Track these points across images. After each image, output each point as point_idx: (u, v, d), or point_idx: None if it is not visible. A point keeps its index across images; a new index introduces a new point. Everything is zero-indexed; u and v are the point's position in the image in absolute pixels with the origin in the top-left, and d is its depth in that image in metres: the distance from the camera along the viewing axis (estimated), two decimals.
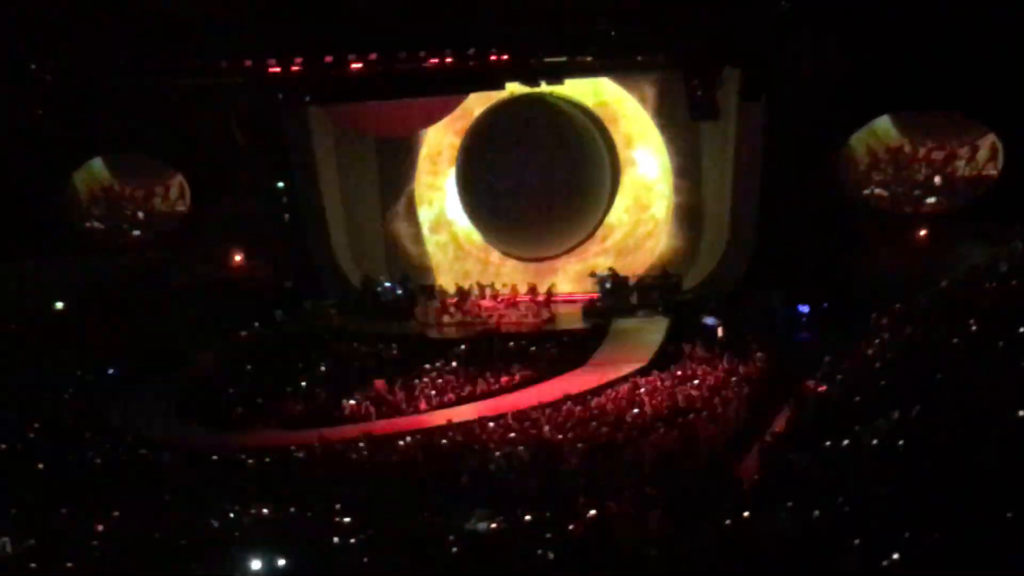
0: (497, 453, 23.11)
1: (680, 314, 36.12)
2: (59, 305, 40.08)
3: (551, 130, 41.24)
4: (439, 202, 43.09)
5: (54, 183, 42.39)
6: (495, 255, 42.69)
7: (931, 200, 37.96)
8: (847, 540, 13.15)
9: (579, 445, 23.01)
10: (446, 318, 38.41)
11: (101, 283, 40.61)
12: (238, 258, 42.89)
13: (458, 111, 40.81)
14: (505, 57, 33.72)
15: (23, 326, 37.70)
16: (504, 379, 31.50)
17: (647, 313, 37.14)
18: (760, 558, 13.88)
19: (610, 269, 40.18)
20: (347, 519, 19.68)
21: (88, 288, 40.41)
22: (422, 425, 27.51)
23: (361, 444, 25.18)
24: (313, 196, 41.54)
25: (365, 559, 17.29)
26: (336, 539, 18.43)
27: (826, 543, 13.46)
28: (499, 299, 39.08)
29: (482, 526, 18.49)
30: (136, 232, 43.97)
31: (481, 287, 39.85)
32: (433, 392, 30.83)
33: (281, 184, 42.68)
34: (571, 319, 38.06)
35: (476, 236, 42.80)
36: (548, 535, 17.70)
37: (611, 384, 29.61)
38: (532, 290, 39.37)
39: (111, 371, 35.16)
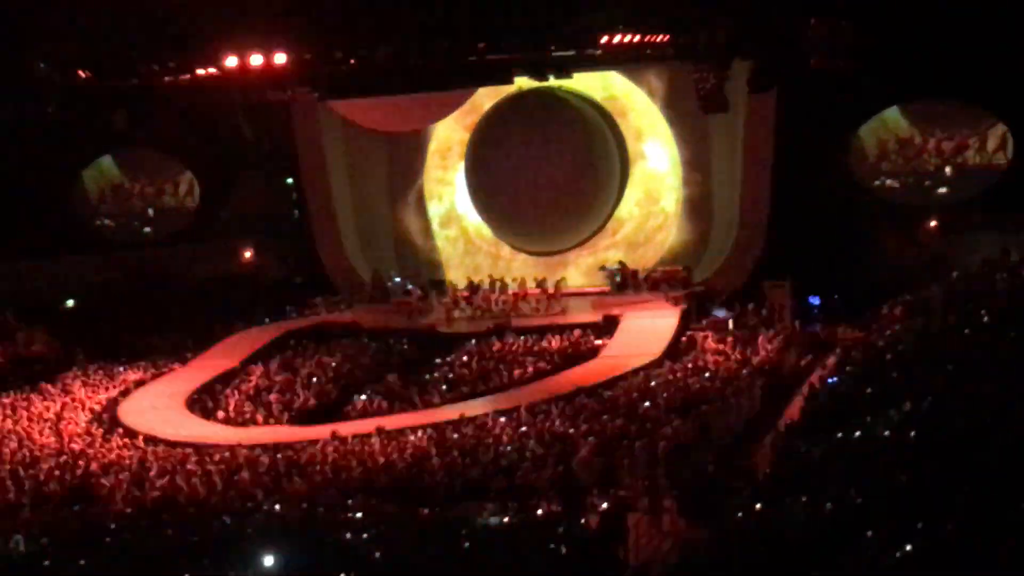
0: (509, 447, 23.11)
1: (691, 306, 36.08)
2: (70, 302, 40.17)
3: (560, 124, 41.23)
4: (449, 197, 43.10)
5: (64, 181, 42.49)
6: (506, 249, 42.70)
7: (942, 190, 37.86)
8: (859, 532, 13.13)
9: (591, 438, 22.98)
10: (457, 312, 38.39)
11: (112, 280, 40.69)
12: (248, 254, 42.94)
13: (467, 106, 40.81)
14: (514, 51, 33.73)
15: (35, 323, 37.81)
16: (517, 372, 31.49)
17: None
18: (773, 549, 13.86)
19: (620, 262, 40.19)
20: (359, 514, 19.69)
21: (99, 285, 40.51)
22: (434, 419, 27.49)
23: (374, 439, 25.19)
24: (322, 192, 41.57)
25: (377, 554, 17.29)
26: (348, 535, 18.44)
27: (838, 535, 13.44)
28: (505, 291, 38.98)
29: (494, 520, 18.49)
30: (147, 229, 44.06)
31: (492, 281, 39.77)
32: (445, 387, 30.85)
33: (290, 180, 42.77)
34: (582, 312, 38.01)
35: (486, 230, 42.80)
36: (561, 529, 17.69)
37: (623, 376, 29.58)
38: (541, 284, 39.25)
39: (123, 368, 35.24)
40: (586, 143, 41.57)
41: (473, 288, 39.45)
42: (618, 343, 33.77)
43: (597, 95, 41.40)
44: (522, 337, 34.89)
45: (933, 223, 36.82)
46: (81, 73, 34.06)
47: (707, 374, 28.04)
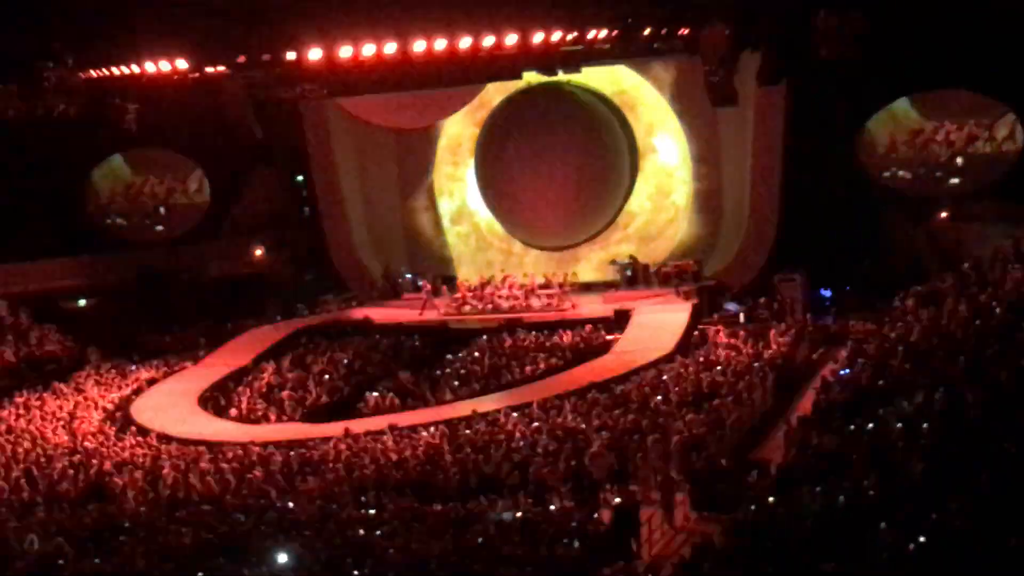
0: (522, 443, 23.11)
1: (702, 300, 36.03)
2: (82, 302, 40.26)
3: (569, 119, 41.15)
4: (460, 193, 43.08)
5: (75, 181, 42.58)
6: (518, 245, 42.66)
7: (954, 181, 37.77)
8: (873, 523, 13.12)
9: (604, 433, 22.99)
10: (467, 308, 38.40)
11: (124, 279, 40.79)
12: (259, 252, 42.99)
13: (476, 101, 40.79)
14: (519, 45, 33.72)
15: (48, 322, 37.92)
16: (528, 368, 31.51)
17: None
18: (786, 542, 13.87)
19: (631, 257, 40.17)
20: (372, 511, 19.72)
21: (111, 284, 40.62)
22: (446, 416, 27.50)
23: (386, 436, 25.22)
24: (332, 189, 41.61)
25: (391, 550, 17.32)
26: (361, 531, 18.47)
27: (852, 526, 13.44)
28: (515, 287, 38.93)
29: (508, 515, 18.51)
30: (159, 227, 44.13)
31: (504, 277, 39.72)
32: (457, 383, 30.88)
33: (300, 178, 42.81)
34: (593, 306, 38.00)
35: (498, 226, 42.77)
36: (574, 523, 17.71)
37: (635, 371, 29.56)
38: (549, 279, 39.20)
39: (135, 367, 35.31)
40: (595, 137, 41.47)
41: (483, 284, 39.44)
42: (629, 338, 33.73)
43: (606, 89, 41.34)
44: (533, 333, 34.90)
45: (944, 214, 36.75)
46: (93, 72, 34.14)
47: (719, 368, 28.00)
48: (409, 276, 40.99)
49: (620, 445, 22.17)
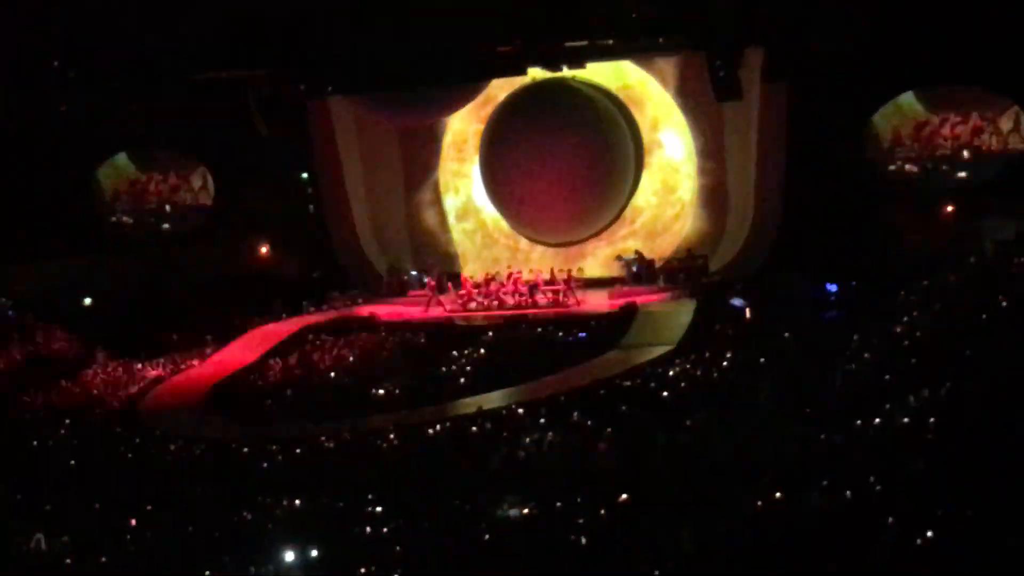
0: (527, 439, 23.11)
1: (708, 296, 36.01)
2: (87, 300, 40.27)
3: (574, 115, 41.11)
4: (466, 189, 43.08)
5: (80, 179, 42.61)
6: (524, 241, 42.67)
7: (961, 175, 37.71)
8: (879, 519, 13.12)
9: (609, 430, 22.98)
10: (472, 304, 38.43)
11: (130, 278, 40.81)
12: (264, 250, 43.01)
13: (481, 98, 40.77)
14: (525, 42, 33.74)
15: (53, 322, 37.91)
16: (534, 365, 31.51)
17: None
18: (792, 538, 13.86)
19: (636, 252, 40.17)
20: (379, 508, 19.72)
21: (117, 282, 40.63)
22: (453, 413, 27.51)
23: (392, 433, 25.22)
24: (337, 187, 41.62)
25: (397, 548, 17.32)
26: (368, 529, 18.48)
27: (859, 522, 13.44)
28: (520, 283, 38.91)
29: (514, 512, 18.50)
30: (165, 226, 44.17)
31: (510, 273, 39.73)
32: (462, 380, 30.90)
33: (305, 175, 42.82)
34: (598, 302, 38.01)
35: (504, 223, 42.77)
36: (581, 521, 17.70)
37: (642, 367, 29.57)
38: (553, 275, 39.19)
39: (141, 365, 35.34)
40: (600, 133, 41.41)
41: (488, 280, 39.46)
42: (635, 334, 33.75)
43: (611, 84, 41.32)
44: (539, 329, 34.94)
45: (949, 208, 36.71)
46: (94, 70, 34.18)
47: (724, 364, 27.99)
48: (415, 273, 41.01)
49: (626, 442, 22.17)
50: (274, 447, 25.30)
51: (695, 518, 17.57)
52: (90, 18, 32.78)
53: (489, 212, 42.82)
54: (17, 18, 32.76)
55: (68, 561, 18.44)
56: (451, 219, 43.27)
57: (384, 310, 38.95)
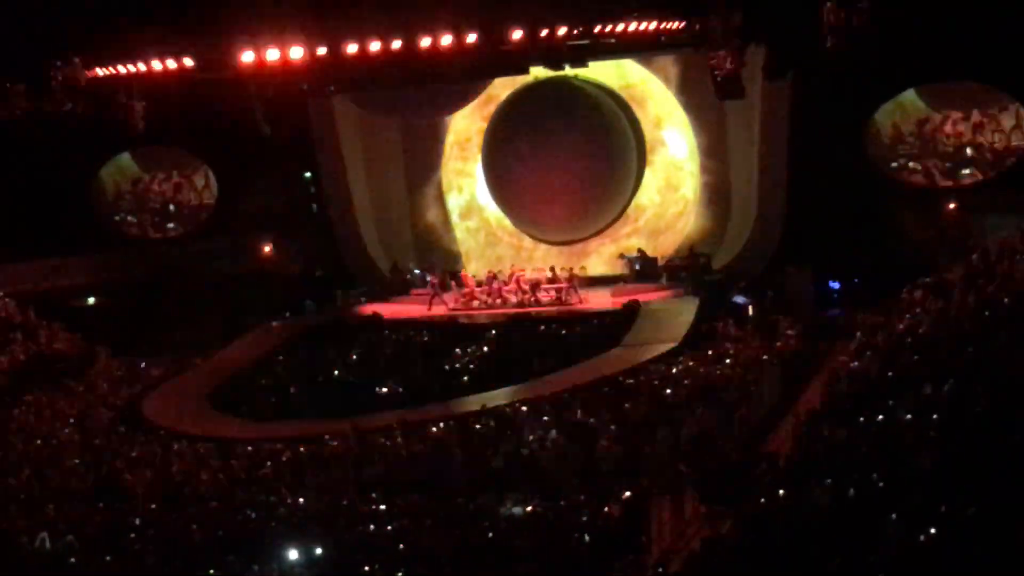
0: (531, 437, 23.13)
1: (710, 293, 36.03)
2: (91, 300, 40.31)
3: (576, 113, 41.15)
4: (469, 188, 43.09)
5: (83, 178, 42.66)
6: (527, 239, 42.68)
7: (965, 172, 37.71)
8: (883, 516, 13.13)
9: (613, 427, 23.00)
10: (476, 303, 38.47)
11: (133, 277, 40.85)
12: (268, 249, 43.04)
13: (484, 96, 40.81)
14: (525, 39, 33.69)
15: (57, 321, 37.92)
16: (537, 362, 31.53)
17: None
18: (796, 535, 13.87)
19: (639, 250, 40.18)
20: (382, 507, 19.75)
21: (121, 282, 40.68)
22: (456, 411, 27.54)
23: (396, 431, 25.23)
24: (340, 185, 41.64)
25: (401, 546, 17.35)
26: (371, 527, 18.51)
27: (862, 519, 13.44)
28: (523, 281, 38.94)
29: (517, 510, 18.54)
30: (170, 225, 44.21)
31: (512, 271, 39.77)
32: (466, 378, 30.92)
33: (308, 174, 42.84)
34: (601, 300, 38.04)
35: (508, 221, 42.79)
36: (584, 518, 17.73)
37: (644, 365, 29.58)
38: (555, 273, 39.22)
39: (142, 365, 35.37)
40: (603, 131, 41.47)
41: (491, 278, 39.48)
42: (638, 331, 33.78)
43: (613, 83, 41.36)
44: (542, 327, 34.98)
45: (952, 205, 36.72)
46: (98, 71, 34.19)
47: (727, 361, 28.01)
48: (418, 271, 41.02)
49: (629, 439, 22.19)
50: (278, 445, 25.32)
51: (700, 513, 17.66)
52: (91, 17, 32.79)
53: (493, 211, 42.83)
54: (19, 17, 32.78)
55: (72, 560, 18.47)
56: (455, 218, 43.28)
57: (387, 308, 38.98)
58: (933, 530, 12.44)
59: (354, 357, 33.69)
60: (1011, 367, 16.71)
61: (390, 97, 38.11)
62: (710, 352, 29.57)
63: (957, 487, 13.10)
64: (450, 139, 42.82)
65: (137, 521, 20.34)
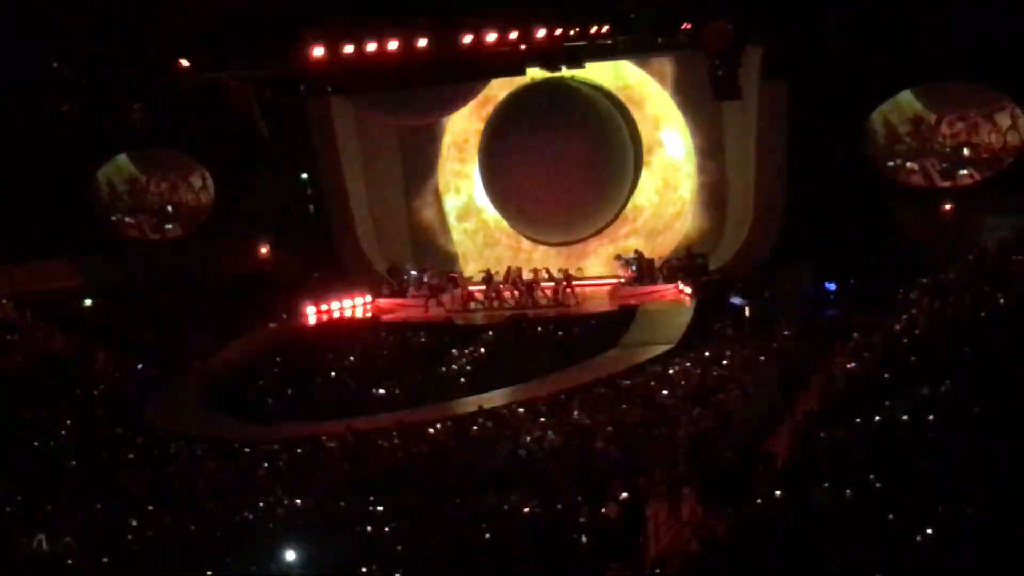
0: (528, 438, 23.15)
1: (708, 294, 36.04)
2: (88, 302, 40.24)
3: (572, 114, 41.13)
4: (467, 189, 43.03)
5: (81, 179, 42.58)
6: (526, 241, 42.64)
7: (963, 172, 37.70)
8: (880, 516, 13.16)
9: (610, 428, 23.02)
10: (473, 304, 38.50)
11: (130, 278, 40.78)
12: (265, 250, 42.99)
13: (481, 97, 40.74)
14: (523, 40, 33.76)
15: (54, 323, 37.87)
16: (534, 364, 31.55)
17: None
18: (794, 536, 13.90)
19: (636, 251, 40.17)
20: (380, 508, 19.77)
21: (118, 284, 40.60)
22: (453, 412, 27.56)
23: (393, 433, 25.25)
24: (337, 187, 41.60)
25: (398, 547, 17.37)
26: (369, 528, 18.52)
27: (860, 519, 13.47)
28: (520, 283, 38.99)
29: (515, 511, 18.54)
30: (168, 226, 44.15)
31: (508, 272, 39.78)
32: (463, 379, 30.92)
33: (305, 175, 42.79)
34: (597, 302, 38.08)
35: (506, 222, 42.77)
36: (581, 519, 17.75)
37: (641, 366, 29.61)
38: (552, 274, 39.23)
39: (140, 366, 35.32)
40: (599, 132, 41.44)
41: (488, 280, 39.51)
42: (635, 333, 33.81)
43: (610, 84, 41.33)
44: (539, 328, 34.98)
45: (948, 206, 36.73)
46: (95, 71, 34.20)
47: (724, 362, 28.03)
48: (415, 273, 40.96)
49: (626, 440, 22.21)
50: (276, 446, 25.34)
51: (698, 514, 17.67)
52: (91, 18, 32.79)
53: (491, 212, 42.78)
54: (18, 18, 32.77)
55: (70, 561, 18.49)
56: (452, 219, 43.21)
57: (384, 310, 39.05)
58: (931, 530, 12.48)
59: (352, 358, 33.67)
60: (1008, 367, 16.75)
61: (387, 98, 38.04)
62: (707, 353, 29.58)
63: (955, 487, 13.14)
64: (447, 140, 42.76)
65: (135, 522, 20.34)
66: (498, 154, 41.71)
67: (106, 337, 37.18)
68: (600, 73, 40.50)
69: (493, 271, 40.01)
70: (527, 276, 39.22)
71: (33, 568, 18.44)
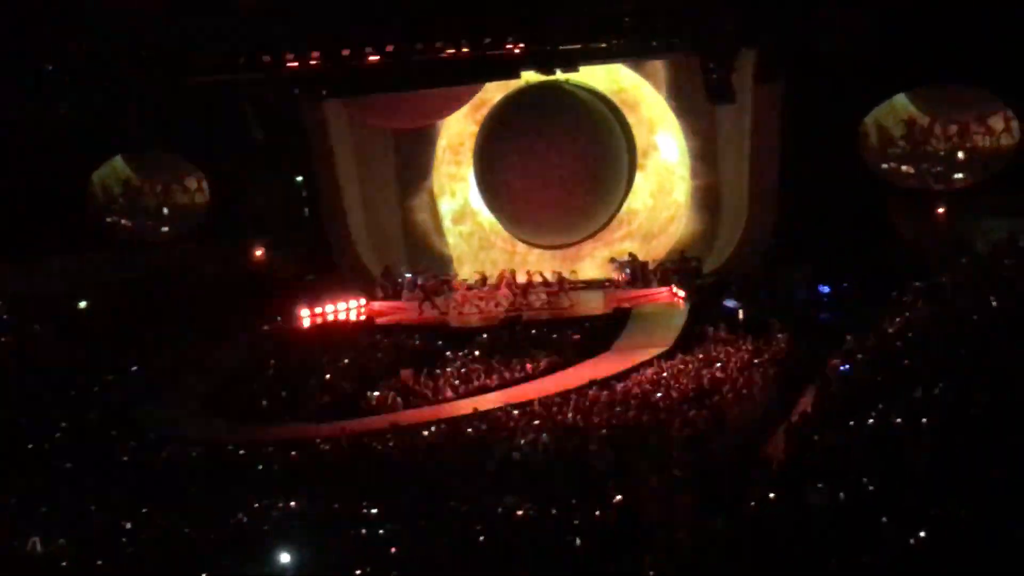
0: (523, 440, 23.15)
1: (702, 297, 36.09)
2: (83, 304, 40.20)
3: (567, 117, 41.18)
4: (463, 192, 43.08)
5: (76, 181, 42.53)
6: (521, 244, 42.69)
7: (959, 176, 37.73)
8: (875, 518, 13.18)
9: (604, 431, 23.04)
10: (467, 307, 38.53)
11: (125, 280, 40.74)
12: (259, 253, 42.99)
13: (477, 100, 40.80)
14: (520, 45, 33.77)
15: (48, 325, 37.82)
16: (529, 366, 31.56)
17: None
18: (789, 538, 13.91)
19: (630, 254, 40.21)
20: (374, 510, 19.75)
21: (113, 285, 40.56)
22: (448, 414, 27.57)
23: (388, 435, 25.25)
24: (332, 190, 41.61)
25: (393, 549, 17.36)
26: (364, 530, 18.51)
27: (855, 522, 13.49)
28: (514, 285, 39.01)
29: (510, 513, 18.54)
30: (164, 228, 44.11)
31: (501, 274, 39.82)
32: (458, 381, 30.91)
33: (300, 178, 42.82)
34: (592, 304, 38.13)
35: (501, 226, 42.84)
36: (576, 521, 17.75)
37: (636, 368, 29.64)
38: (544, 277, 39.26)
39: (135, 368, 35.27)
40: (594, 135, 41.51)
41: (482, 282, 39.58)
42: (629, 335, 33.85)
43: (605, 88, 41.40)
44: (533, 330, 35.03)
45: (942, 209, 36.77)
46: (91, 74, 34.18)
47: (718, 364, 28.06)
48: (409, 275, 40.98)
49: (621, 442, 22.22)
50: (269, 449, 25.32)
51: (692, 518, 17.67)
52: (86, 20, 32.77)
53: (486, 215, 42.84)
54: (14, 19, 32.74)
55: (64, 564, 18.45)
56: (448, 222, 43.27)
57: (379, 312, 39.08)
58: (924, 533, 12.49)
59: (346, 361, 33.67)
60: (1002, 370, 16.78)
61: (382, 102, 38.05)
62: (701, 356, 29.63)
63: (949, 490, 13.16)
64: (443, 143, 42.81)
65: (129, 525, 20.31)
66: (493, 157, 41.79)
67: (101, 338, 37.16)
68: (595, 76, 40.58)
69: (488, 274, 40.08)
70: (521, 279, 39.27)
71: (27, 570, 18.40)
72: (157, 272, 41.11)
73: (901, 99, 37.84)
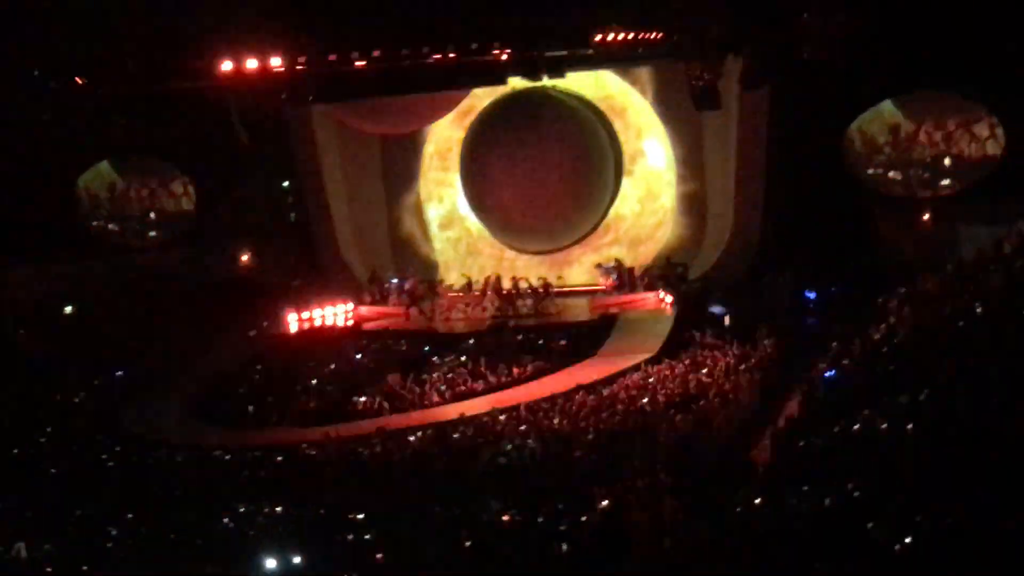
0: (509, 445, 23.18)
1: (688, 303, 36.13)
2: (68, 308, 40.14)
3: (554, 124, 41.20)
4: (450, 198, 43.09)
5: (62, 186, 42.46)
6: (508, 250, 42.70)
7: (945, 183, 37.82)
8: (860, 524, 13.20)
9: (590, 435, 23.07)
10: (454, 312, 38.55)
11: (111, 284, 40.68)
12: (246, 258, 42.95)
13: (464, 106, 40.81)
14: (507, 51, 33.79)
15: (34, 330, 37.77)
16: (515, 371, 31.59)
17: None
18: (774, 543, 13.94)
19: (616, 260, 40.24)
20: (361, 515, 19.75)
21: (99, 290, 40.50)
22: (435, 419, 27.59)
23: (375, 440, 25.26)
24: (318, 195, 41.60)
25: (379, 554, 17.37)
26: (351, 535, 18.52)
27: (839, 527, 13.52)
28: (500, 291, 39.06)
29: (496, 518, 18.56)
30: (152, 233, 44.04)
31: (486, 280, 39.84)
32: (444, 386, 30.92)
33: (286, 183, 42.79)
34: (577, 310, 38.15)
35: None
36: (562, 526, 17.77)
37: (622, 373, 29.67)
38: (531, 284, 39.31)
39: (120, 373, 35.23)
40: (580, 142, 41.53)
41: (468, 288, 39.61)
42: (615, 341, 33.89)
43: (591, 94, 41.45)
44: (519, 336, 35.05)
45: (927, 215, 36.85)
46: (77, 80, 34.11)
47: (705, 369, 28.11)
48: (396, 281, 40.96)
49: (607, 447, 22.26)
50: (256, 454, 25.32)
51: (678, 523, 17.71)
52: (72, 26, 32.73)
53: (473, 221, 42.85)
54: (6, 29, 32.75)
55: (49, 569, 18.44)
56: (435, 228, 43.27)
57: (365, 318, 39.09)
58: (910, 538, 12.52)
59: (333, 366, 33.67)
60: (986, 376, 16.82)
61: (369, 107, 38.03)
62: (688, 361, 29.67)
63: (934, 496, 13.19)
64: (430, 149, 42.82)
65: (115, 530, 20.30)
66: (480, 163, 41.79)
67: (86, 343, 37.11)
68: (581, 83, 40.64)
69: (474, 280, 40.10)
70: (507, 284, 39.29)
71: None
72: (143, 277, 41.03)
73: (887, 106, 37.94)
